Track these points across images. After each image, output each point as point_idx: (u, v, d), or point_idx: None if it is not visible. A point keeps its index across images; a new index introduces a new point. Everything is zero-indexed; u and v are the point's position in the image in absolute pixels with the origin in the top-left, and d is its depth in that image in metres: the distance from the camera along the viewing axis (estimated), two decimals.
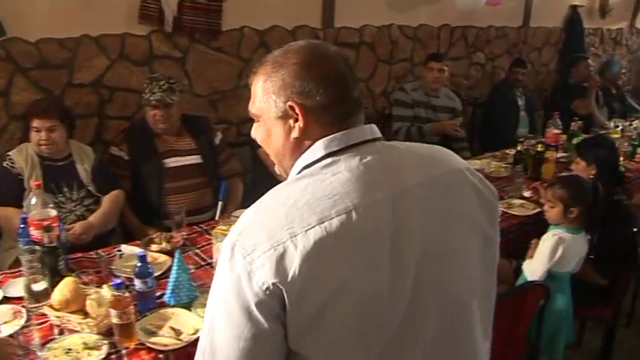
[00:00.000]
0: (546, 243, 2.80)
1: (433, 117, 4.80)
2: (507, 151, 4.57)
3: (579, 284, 2.95)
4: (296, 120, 1.24)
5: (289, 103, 1.23)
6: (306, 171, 1.24)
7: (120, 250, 2.70)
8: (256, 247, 1.10)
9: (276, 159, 1.35)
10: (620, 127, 5.01)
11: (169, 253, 2.63)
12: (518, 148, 4.17)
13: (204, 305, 2.15)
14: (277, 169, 1.37)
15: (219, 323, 1.15)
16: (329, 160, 1.21)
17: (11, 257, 2.94)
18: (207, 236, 2.86)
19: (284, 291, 1.08)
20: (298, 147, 1.27)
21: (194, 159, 3.44)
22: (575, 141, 4.45)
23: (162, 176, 3.34)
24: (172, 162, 3.38)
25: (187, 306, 2.23)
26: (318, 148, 1.23)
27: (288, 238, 1.09)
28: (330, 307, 1.09)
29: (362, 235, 1.11)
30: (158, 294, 2.27)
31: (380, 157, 1.22)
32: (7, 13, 3.35)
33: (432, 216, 1.20)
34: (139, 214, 3.37)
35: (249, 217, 1.19)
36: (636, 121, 5.64)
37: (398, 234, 1.14)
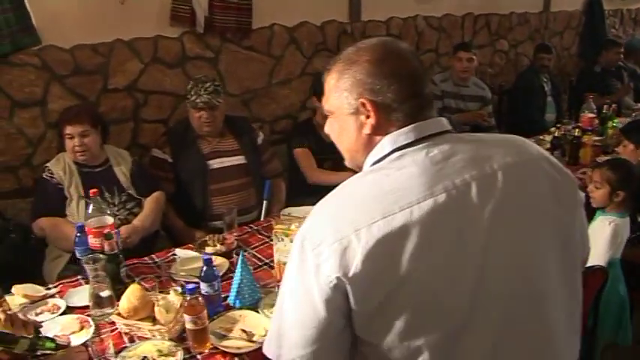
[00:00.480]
0: (604, 231, 2.74)
1: (463, 107, 4.80)
2: (542, 137, 4.52)
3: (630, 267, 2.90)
4: (367, 116, 1.27)
5: (361, 99, 1.26)
6: (374, 166, 1.26)
7: (175, 254, 2.68)
8: (323, 240, 1.14)
9: (348, 154, 1.38)
10: None
11: (225, 255, 2.61)
12: (556, 133, 4.12)
13: (270, 306, 2.16)
14: (349, 164, 1.40)
15: (287, 310, 1.22)
16: (396, 154, 1.23)
17: (58, 267, 2.93)
18: (260, 236, 2.84)
19: (347, 284, 1.11)
20: (370, 143, 1.29)
21: (238, 159, 3.42)
22: (610, 125, 4.40)
23: (207, 178, 3.32)
24: (216, 163, 3.36)
25: (253, 307, 2.20)
26: (386, 144, 1.25)
27: (352, 232, 1.11)
28: (394, 297, 1.11)
29: (425, 228, 1.11)
30: (222, 297, 2.25)
31: (447, 149, 1.21)
32: (41, 21, 3.33)
33: (500, 206, 1.17)
34: (183, 216, 3.35)
35: (317, 211, 1.22)
36: None
37: (463, 226, 1.14)
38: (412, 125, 1.24)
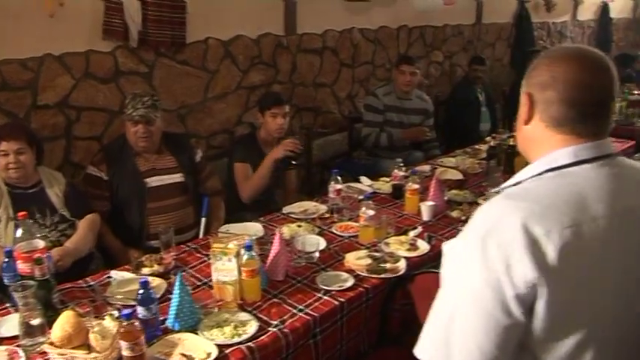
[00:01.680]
0: None
1: (405, 120, 4.81)
2: (478, 147, 4.59)
3: None
4: None
5: None
6: (556, 172, 1.30)
7: (110, 277, 2.59)
8: (513, 239, 1.17)
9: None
10: None
11: (162, 276, 2.54)
12: (491, 143, 4.20)
13: (210, 327, 2.12)
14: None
15: (461, 315, 1.22)
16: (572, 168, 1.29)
17: None
18: (198, 255, 2.77)
19: (541, 284, 1.16)
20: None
21: (176, 177, 3.34)
22: None
23: (145, 196, 3.24)
24: (154, 181, 3.28)
25: (193, 329, 2.14)
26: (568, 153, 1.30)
27: (544, 233, 1.16)
28: (574, 300, 1.20)
29: (601, 241, 1.21)
30: (160, 319, 2.18)
31: (623, 171, 1.30)
32: None
33: None
34: (120, 235, 3.25)
35: (497, 210, 1.25)
36: None
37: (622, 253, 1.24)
38: (596, 142, 1.30)
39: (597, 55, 1.32)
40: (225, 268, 2.32)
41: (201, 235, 3.16)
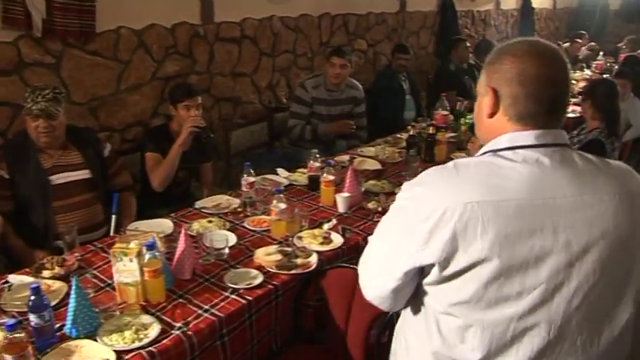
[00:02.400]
0: None
1: (334, 112, 4.75)
2: (399, 136, 4.59)
3: None
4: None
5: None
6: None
7: (7, 282, 2.44)
8: (432, 203, 1.34)
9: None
10: None
11: (64, 279, 2.42)
12: (411, 132, 4.19)
13: (110, 332, 2.02)
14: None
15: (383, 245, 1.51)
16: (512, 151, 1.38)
17: None
18: (104, 254, 2.65)
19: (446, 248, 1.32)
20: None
21: (82, 174, 3.19)
22: (462, 121, 4.53)
23: (49, 194, 3.07)
24: (59, 178, 3.11)
25: (92, 335, 2.04)
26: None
27: (453, 205, 1.30)
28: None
29: (505, 221, 1.29)
30: (57, 326, 2.07)
31: (557, 163, 1.35)
32: None
33: (590, 225, 1.32)
34: (24, 236, 3.08)
35: (428, 177, 1.41)
36: None
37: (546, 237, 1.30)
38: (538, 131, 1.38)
39: (557, 51, 1.40)
40: (127, 269, 2.22)
41: (111, 233, 3.04)
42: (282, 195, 2.83)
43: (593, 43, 10.03)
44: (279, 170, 3.66)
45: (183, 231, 2.45)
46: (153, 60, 4.35)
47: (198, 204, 3.17)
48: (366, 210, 3.10)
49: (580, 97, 4.39)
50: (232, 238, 2.71)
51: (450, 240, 1.29)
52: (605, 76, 7.41)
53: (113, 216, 3.11)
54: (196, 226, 2.86)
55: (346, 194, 3.09)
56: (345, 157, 3.99)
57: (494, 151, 1.40)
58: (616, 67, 7.34)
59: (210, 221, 2.91)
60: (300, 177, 3.56)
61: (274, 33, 5.32)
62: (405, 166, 3.80)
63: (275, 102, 5.33)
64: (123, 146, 4.16)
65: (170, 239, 2.70)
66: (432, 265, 1.35)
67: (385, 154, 4.07)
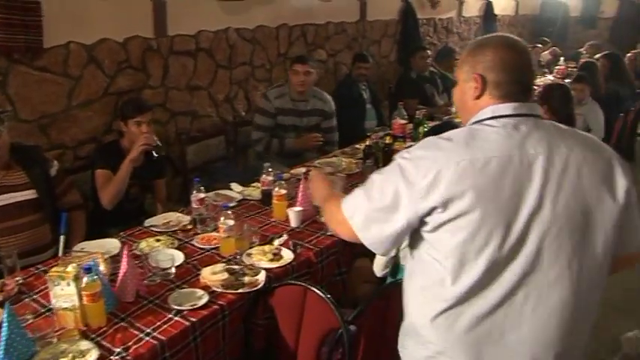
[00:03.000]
0: None
1: (299, 123, 4.66)
2: (357, 146, 4.55)
3: None
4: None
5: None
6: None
7: None
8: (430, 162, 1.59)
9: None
10: None
11: (2, 305, 2.33)
12: (367, 142, 4.15)
13: None
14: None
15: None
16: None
17: None
18: (47, 278, 2.57)
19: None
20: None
21: (28, 194, 3.08)
22: (421, 130, 4.51)
23: None
24: (3, 200, 3.00)
25: None
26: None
27: (446, 164, 1.56)
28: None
29: (492, 177, 1.54)
30: None
31: (532, 128, 1.62)
32: None
33: (559, 177, 1.57)
34: None
35: (427, 143, 1.68)
36: None
37: (524, 180, 1.55)
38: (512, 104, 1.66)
39: (523, 43, 1.73)
40: (65, 294, 2.16)
41: (60, 254, 2.92)
42: (229, 212, 2.77)
43: (555, 48, 10.14)
44: (233, 185, 3.60)
45: (125, 252, 2.38)
46: (105, 75, 4.25)
47: (148, 222, 3.10)
48: (319, 224, 3.04)
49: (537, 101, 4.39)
50: (179, 257, 2.65)
51: (445, 192, 1.53)
52: (566, 81, 7.48)
53: (61, 236, 3.01)
54: (143, 245, 2.79)
55: (298, 208, 3.05)
56: (302, 170, 3.94)
57: (480, 121, 1.66)
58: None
59: (158, 240, 2.84)
60: (254, 191, 3.50)
61: (230, 45, 5.25)
62: (361, 177, 3.75)
63: (237, 115, 5.25)
64: (76, 164, 4.05)
65: (116, 260, 2.61)
66: (428, 214, 1.58)
67: (342, 164, 4.03)
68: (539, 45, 9.70)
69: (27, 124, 3.84)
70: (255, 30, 5.49)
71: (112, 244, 2.83)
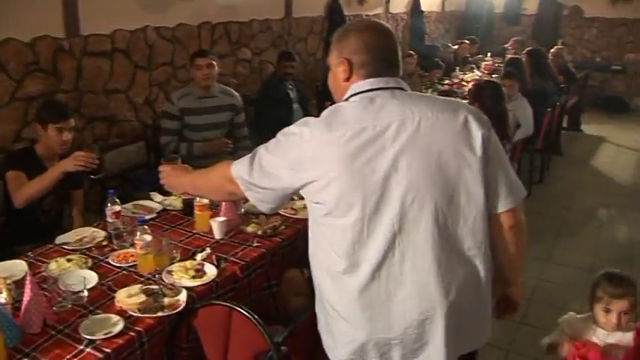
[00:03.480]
0: None
1: (210, 120, 4.45)
2: None
3: None
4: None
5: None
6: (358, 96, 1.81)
7: None
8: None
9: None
10: None
11: None
12: None
13: None
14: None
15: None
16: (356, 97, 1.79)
17: None
18: None
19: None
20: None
21: None
22: None
23: None
24: None
25: None
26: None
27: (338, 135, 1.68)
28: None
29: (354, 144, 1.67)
30: None
31: (388, 99, 1.75)
32: None
33: (411, 139, 1.69)
34: None
35: (300, 123, 1.78)
36: None
37: (377, 149, 1.67)
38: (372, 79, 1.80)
39: (385, 25, 1.88)
40: None
41: None
42: (145, 226, 2.55)
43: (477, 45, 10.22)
44: (153, 194, 3.37)
45: (28, 277, 2.14)
46: (10, 79, 3.93)
47: (60, 239, 2.84)
48: (244, 234, 2.86)
49: (468, 99, 4.33)
50: (93, 279, 2.42)
51: (311, 166, 1.69)
52: (493, 76, 7.51)
53: None
54: (53, 266, 2.54)
55: (222, 218, 2.85)
56: None
57: (346, 100, 1.80)
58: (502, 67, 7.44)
59: (69, 260, 2.58)
60: (176, 201, 3.27)
61: (149, 45, 4.99)
62: None
63: (156, 118, 4.99)
64: None
65: (21, 284, 2.35)
66: (303, 186, 1.74)
67: None
68: (466, 41, 9.74)
69: None
70: (176, 28, 5.25)
71: (18, 267, 2.56)
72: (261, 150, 1.84)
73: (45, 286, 2.32)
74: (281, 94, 5.58)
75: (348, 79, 1.82)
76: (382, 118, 1.69)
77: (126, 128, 4.87)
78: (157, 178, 4.12)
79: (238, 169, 1.88)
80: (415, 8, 10.12)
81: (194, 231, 2.94)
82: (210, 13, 5.61)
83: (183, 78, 5.26)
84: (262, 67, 6.49)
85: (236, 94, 4.70)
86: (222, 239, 2.83)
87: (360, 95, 1.77)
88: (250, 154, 1.87)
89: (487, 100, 4.02)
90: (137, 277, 2.48)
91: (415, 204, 1.68)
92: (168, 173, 2.39)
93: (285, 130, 1.79)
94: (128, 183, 4.55)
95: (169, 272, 2.46)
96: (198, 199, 2.90)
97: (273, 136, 4.82)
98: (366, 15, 8.52)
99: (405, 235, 1.69)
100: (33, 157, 3.28)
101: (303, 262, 2.94)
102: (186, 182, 2.32)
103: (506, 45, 9.73)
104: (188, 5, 5.32)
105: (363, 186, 1.66)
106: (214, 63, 4.39)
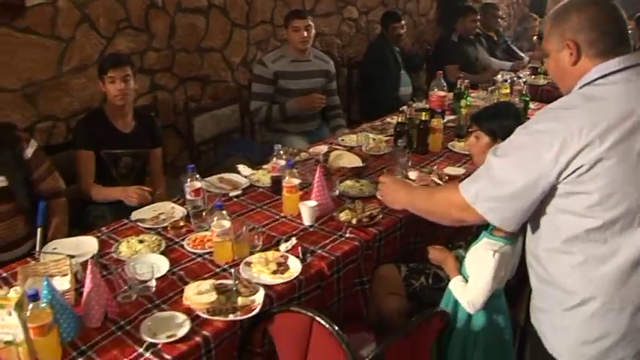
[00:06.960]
0: (486, 264, 2.08)
1: (304, 85, 4.18)
2: (389, 120, 4.00)
3: None
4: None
5: None
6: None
7: None
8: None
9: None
10: (508, 81, 4.53)
11: None
12: (399, 119, 3.51)
13: None
14: None
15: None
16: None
17: None
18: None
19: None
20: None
21: None
22: (464, 103, 3.88)
23: None
24: None
25: None
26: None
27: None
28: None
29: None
30: None
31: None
32: None
33: None
34: None
35: (540, 117, 1.71)
36: (523, 72, 5.29)
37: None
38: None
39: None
40: (7, 325, 1.69)
41: (37, 249, 2.49)
42: (223, 211, 2.25)
43: None
44: (240, 167, 3.09)
45: (90, 266, 1.90)
46: (100, 36, 3.75)
47: (135, 215, 2.62)
48: (336, 222, 2.52)
49: None
50: (164, 266, 2.17)
51: (572, 158, 1.55)
52: None
53: (39, 229, 2.57)
54: (124, 247, 2.31)
55: (313, 203, 2.52)
56: (324, 148, 3.41)
57: (588, 84, 1.66)
58: None
59: (141, 240, 2.34)
60: (265, 176, 2.96)
61: (248, 2, 4.70)
62: (390, 159, 3.20)
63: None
64: (69, 137, 3.59)
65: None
66: (559, 182, 1.61)
67: (370, 143, 3.47)
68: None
69: (10, 94, 3.40)
70: None
71: (88, 245, 2.36)
72: (495, 162, 1.74)
73: (110, 270, 2.12)
74: (388, 57, 5.17)
75: (575, 63, 1.70)
76: None
77: (220, 89, 4.64)
78: (251, 145, 3.89)
79: (470, 189, 1.79)
80: None
81: (281, 214, 2.63)
82: None
83: (284, 37, 4.95)
84: (369, 27, 6.06)
85: (329, 60, 4.45)
86: (311, 226, 2.51)
87: (610, 77, 1.63)
88: (481, 170, 1.81)
89: None
90: (212, 266, 2.21)
91: None
92: (387, 186, 2.34)
93: (525, 129, 1.70)
94: (221, 147, 4.33)
95: (247, 264, 2.17)
96: (287, 177, 2.58)
97: (379, 104, 4.49)
98: None
99: None
100: (102, 117, 3.17)
101: (399, 259, 2.61)
102: (405, 200, 2.22)
103: None
104: None
105: (635, 177, 1.57)
106: (312, 24, 4.10)
